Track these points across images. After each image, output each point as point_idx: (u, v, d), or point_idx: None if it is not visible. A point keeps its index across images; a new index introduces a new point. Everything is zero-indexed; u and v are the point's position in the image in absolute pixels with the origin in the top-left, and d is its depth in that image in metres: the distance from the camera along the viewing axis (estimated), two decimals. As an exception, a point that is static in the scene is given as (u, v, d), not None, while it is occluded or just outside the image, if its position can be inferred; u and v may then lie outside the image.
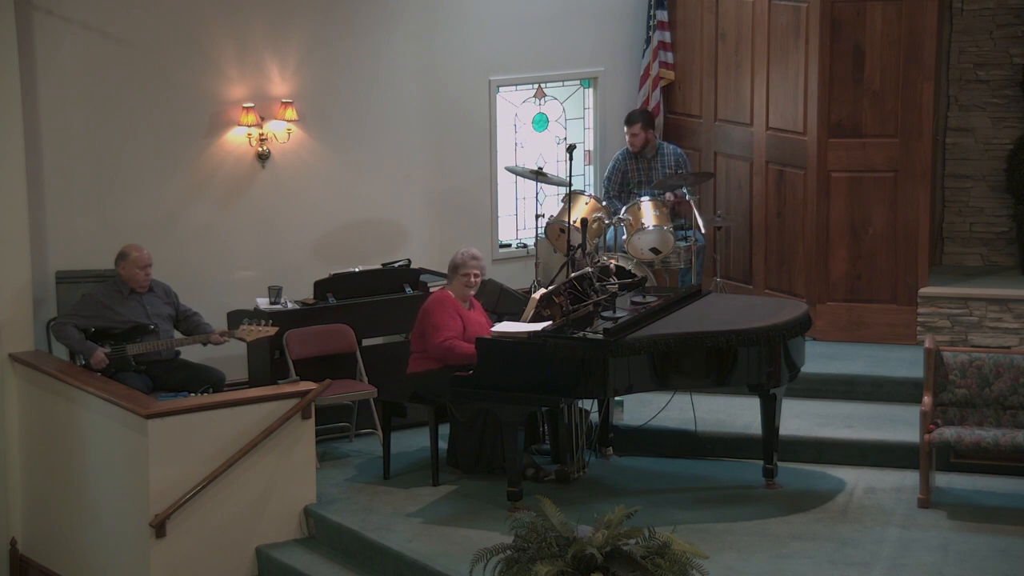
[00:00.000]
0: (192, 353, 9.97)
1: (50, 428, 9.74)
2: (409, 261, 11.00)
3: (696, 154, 12.12)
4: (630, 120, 11.74)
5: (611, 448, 9.88)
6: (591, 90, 12.43)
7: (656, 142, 11.76)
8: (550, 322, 8.94)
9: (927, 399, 9.08)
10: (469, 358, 9.01)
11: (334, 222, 11.29)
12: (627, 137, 11.69)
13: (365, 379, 10.15)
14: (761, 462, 9.29)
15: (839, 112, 11.07)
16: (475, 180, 11.88)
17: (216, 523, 8.91)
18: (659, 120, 12.16)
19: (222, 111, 10.78)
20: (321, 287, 10.42)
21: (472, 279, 9.50)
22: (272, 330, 9.67)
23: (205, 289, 10.59)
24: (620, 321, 8.89)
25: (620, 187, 11.75)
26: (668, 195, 11.33)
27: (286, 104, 10.90)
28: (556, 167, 12.26)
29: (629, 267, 10.77)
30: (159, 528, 8.70)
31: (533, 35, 11.96)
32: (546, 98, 12.32)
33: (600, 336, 8.67)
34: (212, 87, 10.73)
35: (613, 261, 10.52)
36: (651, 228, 10.99)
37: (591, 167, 12.53)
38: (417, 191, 11.61)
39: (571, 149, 11.02)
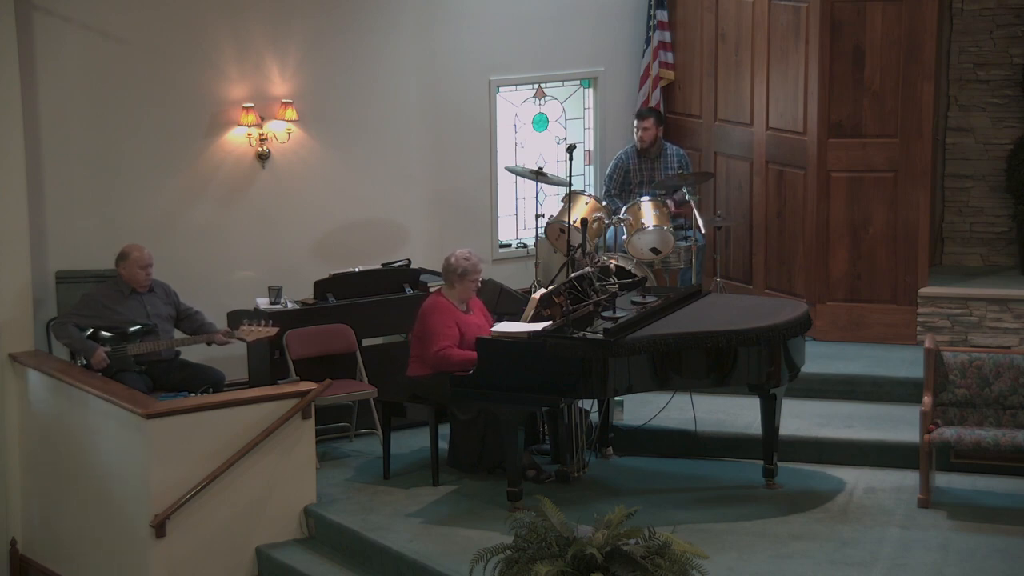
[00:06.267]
0: (192, 353, 9.97)
1: (50, 428, 9.74)
2: (409, 261, 11.01)
3: (696, 154, 12.12)
4: (643, 114, 11.74)
5: (611, 448, 9.88)
6: (591, 90, 12.43)
7: (662, 142, 11.75)
8: (550, 322, 8.94)
9: (927, 399, 9.08)
10: (465, 364, 9.01)
11: (334, 222, 11.29)
12: (638, 132, 11.66)
13: (365, 379, 10.16)
14: (761, 462, 9.29)
15: (839, 112, 11.07)
16: (475, 180, 11.89)
17: (216, 523, 8.91)
18: (659, 120, 12.19)
19: (222, 111, 10.79)
20: (321, 287, 10.42)
21: (479, 284, 9.53)
22: (272, 331, 9.67)
23: (205, 289, 10.59)
24: (620, 321, 8.89)
25: (622, 186, 11.75)
26: (669, 201, 11.32)
27: (286, 104, 10.91)
28: (556, 167, 12.26)
29: (629, 267, 10.77)
30: (159, 528, 8.70)
31: (533, 35, 11.97)
32: (546, 98, 12.32)
33: (600, 336, 8.67)
34: (212, 87, 10.73)
35: (613, 261, 10.53)
36: (651, 228, 10.99)
37: (591, 167, 12.54)
38: (417, 191, 11.62)
39: (571, 149, 11.02)
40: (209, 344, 9.75)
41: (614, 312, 9.11)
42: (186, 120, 10.68)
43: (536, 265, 11.69)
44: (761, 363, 8.94)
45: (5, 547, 10.09)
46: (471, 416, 9.31)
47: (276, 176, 11.03)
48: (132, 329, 9.64)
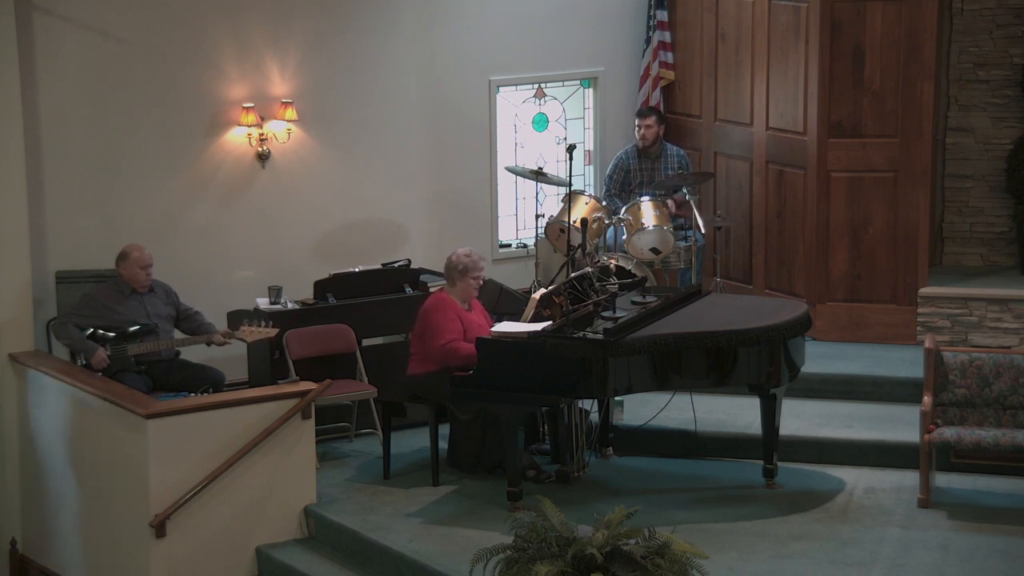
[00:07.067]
0: (192, 353, 9.97)
1: (50, 428, 9.73)
2: (409, 261, 11.01)
3: (696, 154, 12.12)
4: (644, 112, 11.75)
5: (611, 448, 9.88)
6: (591, 90, 12.43)
7: (663, 142, 11.76)
8: (550, 322, 8.94)
9: (927, 399, 9.08)
10: (471, 359, 9.00)
11: (334, 222, 11.29)
12: (640, 130, 11.66)
13: (365, 379, 10.16)
14: (761, 462, 9.29)
15: (839, 112, 11.07)
16: (475, 180, 11.89)
17: (216, 523, 8.91)
18: (659, 120, 12.19)
19: (222, 111, 10.79)
20: (321, 287, 10.42)
21: (480, 281, 9.53)
22: (272, 332, 9.67)
23: (205, 289, 10.59)
24: (620, 321, 8.89)
25: (622, 186, 11.75)
26: (670, 202, 11.33)
27: (286, 104, 10.91)
28: (556, 167, 12.27)
29: (629, 267, 10.77)
30: (159, 528, 8.70)
31: (533, 35, 11.97)
32: (546, 98, 12.33)
33: (600, 336, 8.66)
34: (212, 87, 10.73)
35: (613, 261, 10.53)
36: (651, 228, 10.99)
37: (591, 167, 12.54)
38: (417, 191, 11.62)
39: (571, 149, 11.02)
40: (209, 344, 9.76)
41: (614, 312, 9.11)
42: (186, 120, 10.68)
43: (536, 265, 11.69)
44: (761, 363, 8.94)
45: (5, 547, 10.09)
46: (471, 416, 9.31)
47: (276, 176, 11.03)
48: (132, 329, 9.64)
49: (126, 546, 9.04)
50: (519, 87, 12.15)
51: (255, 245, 11.02)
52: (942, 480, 9.27)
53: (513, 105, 12.20)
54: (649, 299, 9.53)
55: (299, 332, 10.09)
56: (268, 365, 10.07)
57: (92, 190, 10.42)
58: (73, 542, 9.64)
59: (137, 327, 9.66)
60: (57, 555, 9.82)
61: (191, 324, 9.90)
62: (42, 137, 10.19)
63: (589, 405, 9.73)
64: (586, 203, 11.17)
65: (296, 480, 9.12)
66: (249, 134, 10.86)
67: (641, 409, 9.98)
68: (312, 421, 9.18)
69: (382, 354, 10.44)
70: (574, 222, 10.91)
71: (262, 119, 10.85)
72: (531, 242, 11.97)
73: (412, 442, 10.00)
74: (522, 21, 11.89)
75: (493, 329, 9.15)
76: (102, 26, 10.31)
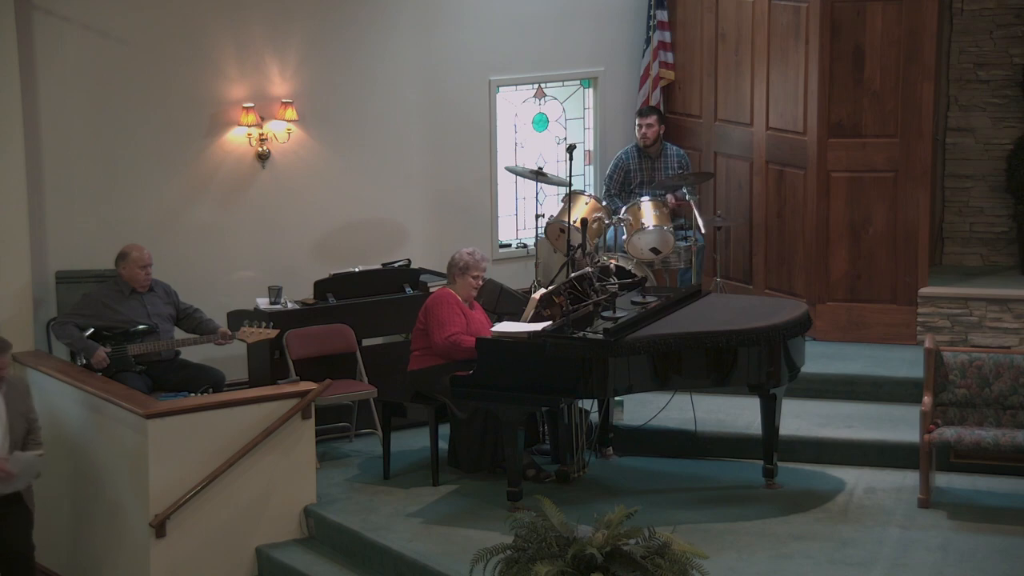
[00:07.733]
0: (192, 353, 9.97)
1: (50, 428, 9.72)
2: (409, 261, 11.01)
3: (696, 154, 12.12)
4: (645, 112, 11.74)
5: (611, 448, 9.89)
6: (591, 90, 12.43)
7: (663, 142, 11.75)
8: (550, 322, 8.94)
9: (927, 399, 9.08)
10: (473, 354, 9.00)
11: (334, 222, 11.29)
12: (641, 129, 11.65)
13: (365, 379, 10.16)
14: (761, 462, 9.29)
15: (839, 112, 11.07)
16: (475, 180, 11.88)
17: (216, 523, 8.91)
18: (659, 120, 12.18)
19: (222, 111, 10.79)
20: (321, 287, 10.42)
21: (481, 280, 9.53)
22: (272, 333, 9.67)
23: (205, 289, 10.59)
24: (620, 321, 8.89)
25: (622, 186, 11.75)
26: (669, 198, 11.35)
27: (286, 104, 10.91)
28: (556, 167, 12.26)
29: (629, 267, 10.78)
30: (159, 528, 8.70)
31: (533, 35, 11.96)
32: (546, 98, 12.32)
33: (600, 336, 8.66)
34: (212, 87, 10.73)
35: (613, 261, 10.53)
36: (651, 228, 10.99)
37: (591, 167, 12.53)
38: (417, 191, 11.61)
39: (571, 149, 11.02)
40: (208, 341, 9.75)
41: (614, 312, 9.11)
42: (186, 120, 10.68)
43: (536, 265, 11.68)
44: (761, 363, 8.94)
45: (5, 547, 10.08)
46: (471, 416, 9.31)
47: (276, 176, 11.03)
48: (132, 329, 9.65)
49: (126, 546, 9.04)
50: (519, 87, 12.14)
51: (255, 245, 11.02)
52: (942, 480, 9.27)
53: (513, 105, 12.20)
54: (649, 299, 9.54)
55: (299, 332, 10.09)
56: (268, 365, 10.08)
57: (92, 190, 10.42)
58: (73, 542, 9.64)
59: (137, 327, 9.66)
60: (57, 555, 9.81)
61: (192, 322, 9.90)
62: (42, 137, 10.19)
63: (589, 405, 9.73)
64: (586, 203, 11.17)
65: (296, 480, 9.12)
66: (249, 134, 10.85)
67: (641, 409, 9.99)
68: (312, 421, 9.18)
69: (382, 354, 10.44)
70: (574, 222, 10.91)
71: (262, 119, 10.85)
72: (531, 242, 11.97)
73: (412, 442, 10.00)
74: (522, 21, 11.89)
75: (493, 329, 9.15)
76: (102, 26, 10.31)
